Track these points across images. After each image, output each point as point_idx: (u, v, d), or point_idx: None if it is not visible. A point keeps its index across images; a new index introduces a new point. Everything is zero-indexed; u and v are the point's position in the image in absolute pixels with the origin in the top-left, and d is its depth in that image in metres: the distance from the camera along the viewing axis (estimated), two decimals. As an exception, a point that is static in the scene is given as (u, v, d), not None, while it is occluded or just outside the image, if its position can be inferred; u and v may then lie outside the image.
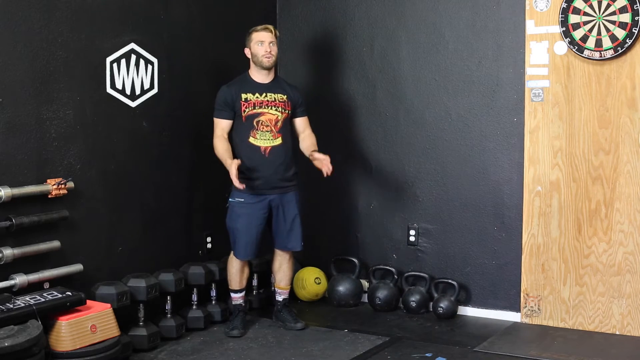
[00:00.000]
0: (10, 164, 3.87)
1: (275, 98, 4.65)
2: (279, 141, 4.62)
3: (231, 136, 4.62)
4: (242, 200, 4.59)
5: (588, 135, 4.64)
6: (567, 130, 4.69)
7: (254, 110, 4.58)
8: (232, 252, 4.72)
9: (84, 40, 4.22)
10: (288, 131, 4.70)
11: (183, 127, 4.87)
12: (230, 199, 4.65)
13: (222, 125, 4.59)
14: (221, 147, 4.55)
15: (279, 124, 4.63)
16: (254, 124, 4.58)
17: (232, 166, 4.38)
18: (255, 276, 5.19)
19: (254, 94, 4.60)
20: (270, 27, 4.66)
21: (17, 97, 3.89)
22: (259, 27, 4.64)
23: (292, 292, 5.39)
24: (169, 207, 4.82)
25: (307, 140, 4.76)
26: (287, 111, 4.67)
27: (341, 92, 5.45)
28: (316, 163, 4.65)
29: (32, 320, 3.58)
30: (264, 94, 4.62)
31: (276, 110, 4.63)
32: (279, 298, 4.89)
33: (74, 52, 4.16)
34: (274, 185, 4.61)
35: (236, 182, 4.39)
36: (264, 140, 4.58)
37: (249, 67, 4.70)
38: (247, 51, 4.67)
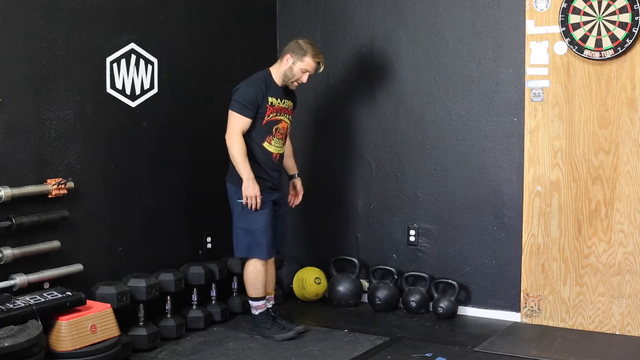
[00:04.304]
0: (10, 164, 3.87)
1: (288, 105, 4.60)
2: (283, 149, 4.63)
3: (244, 134, 4.46)
4: (261, 198, 4.45)
5: (588, 135, 4.64)
6: (567, 130, 4.69)
7: (276, 117, 4.51)
8: (252, 259, 4.53)
9: (84, 40, 4.21)
10: None
11: (183, 127, 4.87)
12: (242, 200, 4.46)
13: (243, 124, 4.41)
14: (243, 151, 4.40)
15: (287, 132, 4.64)
16: (273, 130, 4.51)
17: (258, 193, 4.39)
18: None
19: (277, 99, 4.51)
20: (323, 62, 4.53)
21: (17, 97, 3.89)
22: (318, 57, 4.48)
23: (292, 292, 5.41)
24: (169, 207, 4.82)
25: (291, 156, 4.82)
26: (291, 119, 4.67)
27: (341, 92, 5.44)
28: (292, 189, 4.80)
29: (32, 320, 3.58)
30: (283, 100, 4.56)
31: (288, 118, 4.60)
32: (268, 305, 4.68)
33: (74, 52, 4.16)
34: (276, 187, 4.61)
35: (259, 202, 4.41)
36: (277, 147, 4.55)
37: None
38: (288, 58, 4.47)
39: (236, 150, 4.40)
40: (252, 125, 4.46)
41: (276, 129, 4.52)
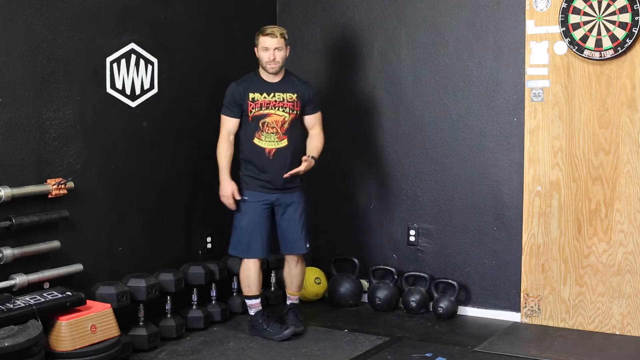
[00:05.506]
0: (10, 164, 3.87)
1: (284, 98, 4.57)
2: (284, 143, 4.57)
3: (237, 134, 4.60)
4: (246, 198, 4.57)
5: (588, 135, 4.64)
6: (567, 130, 4.69)
7: (260, 112, 4.53)
8: (243, 258, 4.65)
9: (84, 40, 4.21)
10: (297, 132, 4.64)
11: (183, 127, 4.87)
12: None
13: (228, 125, 4.56)
14: (224, 153, 4.57)
15: (286, 125, 4.58)
16: (259, 125, 4.53)
17: (230, 194, 4.54)
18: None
19: (261, 94, 4.54)
20: (277, 31, 4.52)
21: (17, 97, 3.89)
22: (265, 31, 4.52)
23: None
24: (169, 207, 4.82)
25: (313, 141, 4.71)
26: (295, 112, 4.60)
27: (341, 92, 5.44)
28: (304, 161, 4.59)
29: (32, 320, 3.58)
30: (272, 94, 4.56)
31: (283, 111, 4.57)
32: (287, 302, 4.84)
33: (74, 52, 4.16)
34: (278, 186, 4.59)
35: (231, 204, 4.57)
36: (269, 142, 4.54)
37: (256, 65, 4.62)
38: (256, 51, 4.59)
39: (218, 151, 4.59)
40: (241, 124, 4.58)
41: (264, 124, 4.53)
